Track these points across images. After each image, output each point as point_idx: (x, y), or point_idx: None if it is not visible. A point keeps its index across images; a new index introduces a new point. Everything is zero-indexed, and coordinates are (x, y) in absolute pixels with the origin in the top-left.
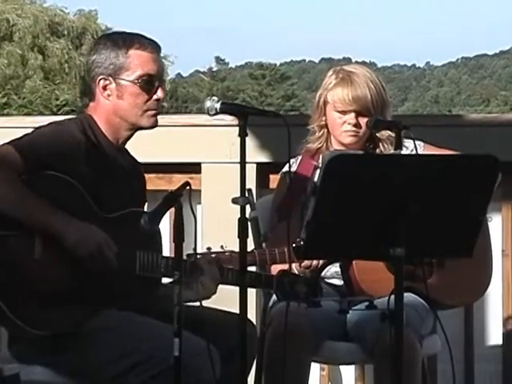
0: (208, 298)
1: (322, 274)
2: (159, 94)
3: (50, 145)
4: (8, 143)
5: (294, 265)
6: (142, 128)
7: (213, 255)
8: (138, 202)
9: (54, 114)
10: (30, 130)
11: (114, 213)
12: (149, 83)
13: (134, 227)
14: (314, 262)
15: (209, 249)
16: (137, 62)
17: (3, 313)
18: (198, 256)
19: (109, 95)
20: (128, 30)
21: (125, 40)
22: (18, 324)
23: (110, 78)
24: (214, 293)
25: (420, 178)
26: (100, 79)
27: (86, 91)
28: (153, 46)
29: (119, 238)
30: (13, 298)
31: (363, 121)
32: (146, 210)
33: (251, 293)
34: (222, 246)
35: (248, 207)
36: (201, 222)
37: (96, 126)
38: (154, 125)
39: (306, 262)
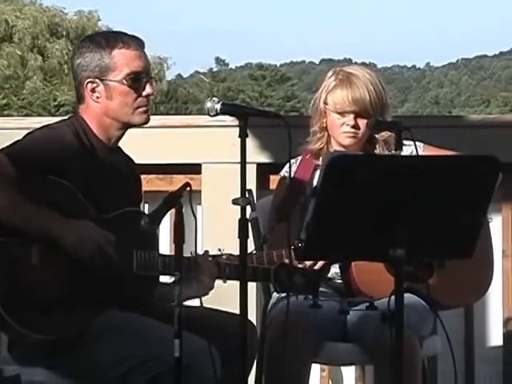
0: (206, 294)
1: None
2: (148, 89)
3: (42, 150)
4: None
5: None
6: (133, 126)
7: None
8: (133, 201)
9: (52, 115)
10: (29, 131)
11: (110, 213)
12: (136, 81)
13: (130, 226)
14: (319, 263)
15: (206, 252)
16: (122, 61)
17: (3, 318)
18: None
19: (98, 97)
20: (110, 30)
21: (107, 40)
22: (17, 330)
23: (97, 80)
24: (212, 288)
25: (420, 178)
26: (87, 82)
27: (76, 95)
28: (136, 43)
29: (116, 238)
30: (12, 304)
31: (362, 122)
32: (142, 208)
33: (251, 294)
34: (219, 249)
35: (248, 208)
36: (201, 223)
37: (88, 128)
38: (146, 121)
39: (307, 263)
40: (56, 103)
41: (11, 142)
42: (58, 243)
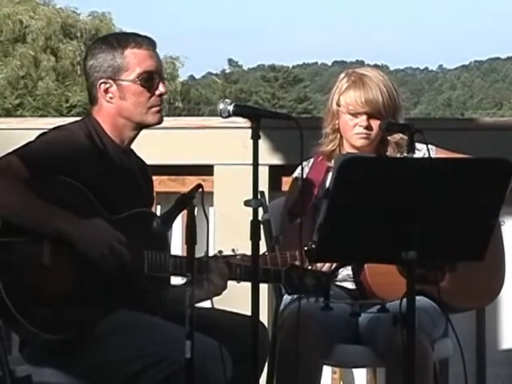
0: (218, 294)
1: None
2: (161, 89)
3: (54, 151)
4: (11, 153)
5: None
6: (147, 126)
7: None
8: (146, 202)
9: (64, 115)
10: (41, 132)
11: (121, 214)
12: (149, 80)
13: (142, 227)
14: (327, 265)
15: (220, 252)
16: (134, 61)
17: (14, 317)
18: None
19: (111, 98)
20: (122, 31)
21: (119, 41)
22: (28, 328)
23: (110, 81)
24: (225, 289)
25: (432, 181)
26: (100, 83)
27: (89, 97)
28: (148, 43)
29: (127, 238)
30: (23, 303)
31: (375, 123)
32: (154, 210)
33: (263, 296)
34: (233, 250)
35: (260, 209)
36: (213, 224)
37: (101, 129)
38: (160, 121)
39: (318, 265)
40: (68, 104)
41: (24, 142)
42: (70, 242)
